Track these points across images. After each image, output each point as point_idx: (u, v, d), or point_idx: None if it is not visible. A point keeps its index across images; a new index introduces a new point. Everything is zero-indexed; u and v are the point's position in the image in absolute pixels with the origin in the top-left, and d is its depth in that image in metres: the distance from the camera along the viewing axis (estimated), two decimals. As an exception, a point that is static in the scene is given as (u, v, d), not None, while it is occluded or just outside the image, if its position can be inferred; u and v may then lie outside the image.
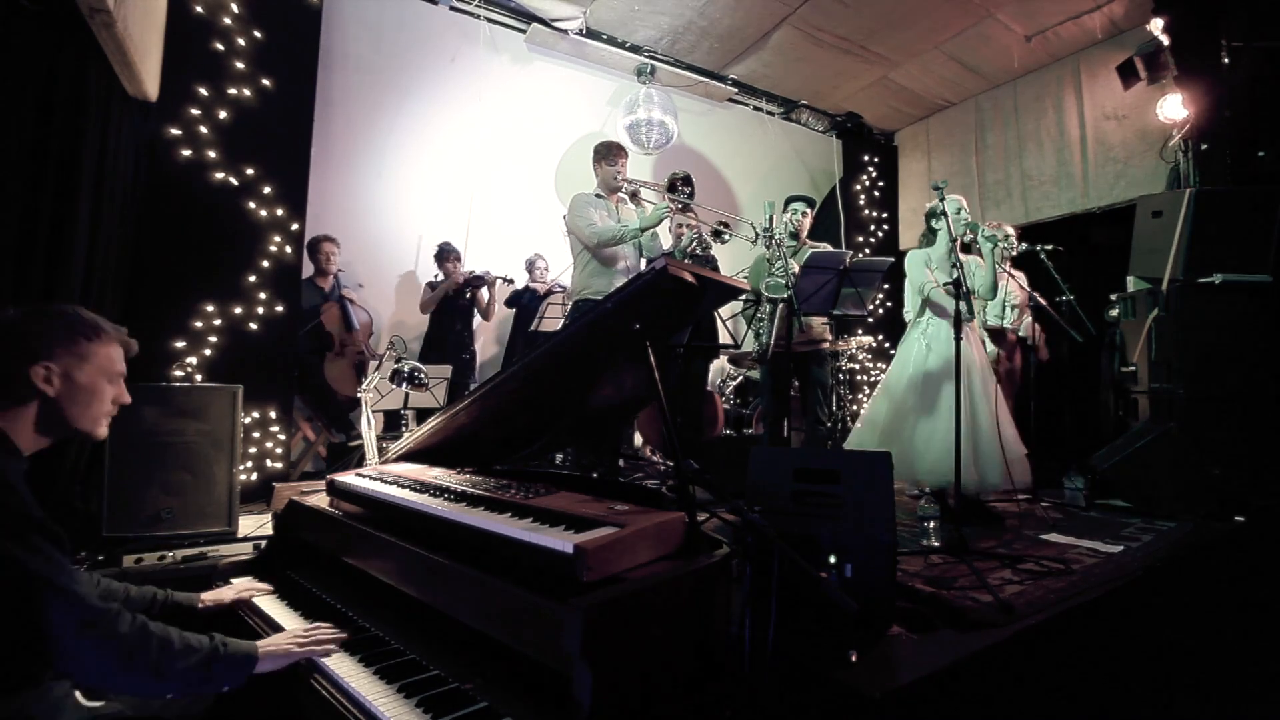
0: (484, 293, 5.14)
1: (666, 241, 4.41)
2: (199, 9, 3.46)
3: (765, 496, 1.93)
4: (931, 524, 2.80)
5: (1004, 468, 3.15)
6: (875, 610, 1.79)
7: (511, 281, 5.26)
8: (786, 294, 3.45)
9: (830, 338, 4.17)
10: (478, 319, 5.23)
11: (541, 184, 5.76)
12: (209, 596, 1.60)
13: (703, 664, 1.19)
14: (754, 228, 3.83)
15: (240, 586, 1.68)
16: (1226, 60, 4.55)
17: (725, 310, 4.11)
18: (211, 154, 3.47)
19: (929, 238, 3.62)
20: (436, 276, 5.02)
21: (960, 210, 3.49)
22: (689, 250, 4.11)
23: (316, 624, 1.41)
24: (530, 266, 5.36)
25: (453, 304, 4.94)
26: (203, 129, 3.44)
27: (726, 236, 3.97)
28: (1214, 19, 4.61)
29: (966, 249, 3.71)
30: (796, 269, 3.61)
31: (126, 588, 1.47)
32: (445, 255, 4.95)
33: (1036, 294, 4.29)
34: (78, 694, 1.20)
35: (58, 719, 1.14)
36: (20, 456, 1.19)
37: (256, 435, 3.55)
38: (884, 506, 1.84)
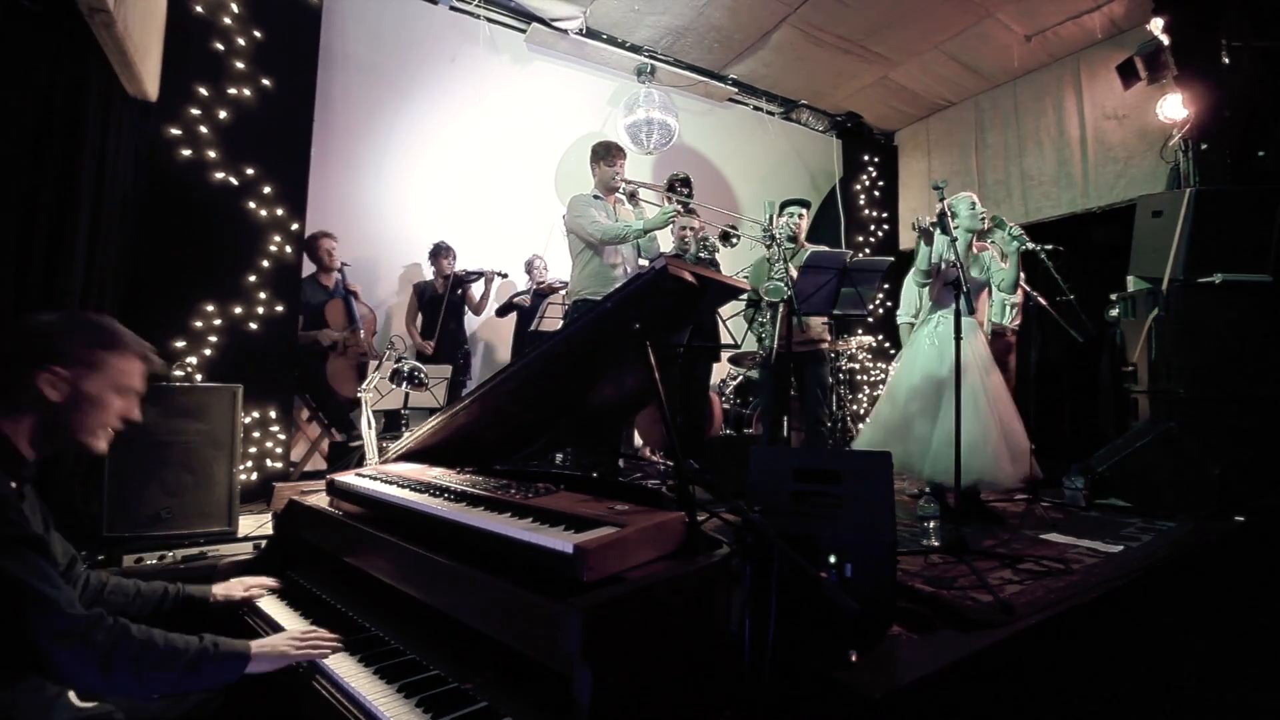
0: (475, 288, 5.14)
1: (666, 244, 4.40)
2: (199, 9, 3.46)
3: (765, 496, 1.93)
4: (931, 524, 2.80)
5: (1011, 462, 3.12)
6: (875, 610, 1.79)
7: (506, 276, 5.25)
8: (786, 294, 3.45)
9: (829, 338, 4.17)
10: (471, 318, 5.22)
11: (541, 184, 5.76)
12: (219, 591, 1.61)
13: (703, 664, 1.19)
14: (760, 225, 3.83)
15: (249, 583, 1.69)
16: (1226, 60, 4.55)
17: (725, 311, 4.11)
18: (211, 154, 3.47)
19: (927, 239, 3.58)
20: (430, 274, 5.02)
21: (974, 205, 3.47)
22: (697, 255, 4.11)
23: (313, 628, 1.40)
24: (529, 267, 5.36)
25: (444, 302, 4.94)
26: (203, 129, 3.44)
27: (734, 241, 3.97)
28: (1214, 19, 4.61)
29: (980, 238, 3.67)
30: (794, 272, 3.61)
31: (137, 584, 1.49)
32: (439, 253, 4.96)
33: (1037, 294, 4.29)
34: (71, 694, 1.20)
35: (50, 718, 1.14)
36: (23, 463, 1.19)
37: (256, 435, 3.55)
38: (884, 506, 1.84)
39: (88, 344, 1.22)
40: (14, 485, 1.14)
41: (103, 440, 1.27)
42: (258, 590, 1.68)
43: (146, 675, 1.10)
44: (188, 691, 1.21)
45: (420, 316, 5.00)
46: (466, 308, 5.15)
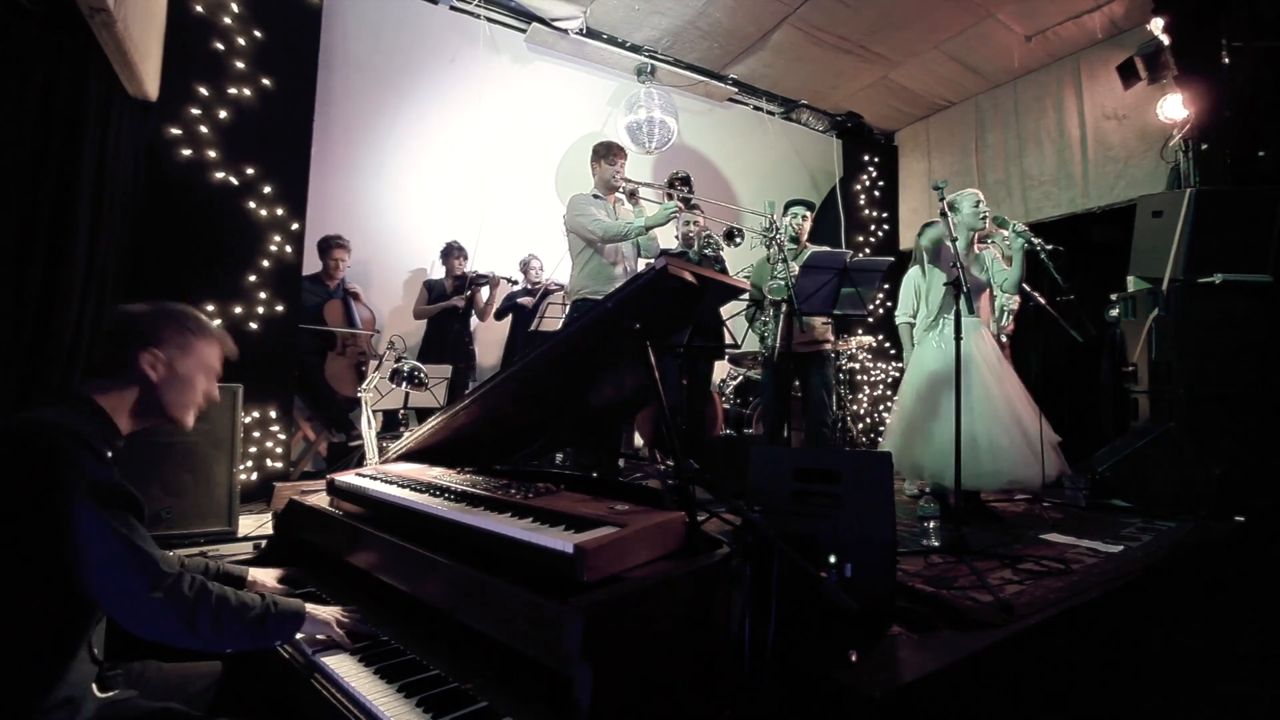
0: (484, 292, 5.13)
1: (667, 241, 4.40)
2: (199, 9, 3.46)
3: (765, 496, 1.93)
4: (931, 524, 2.80)
5: (1035, 460, 3.08)
6: (875, 610, 1.79)
7: (516, 283, 5.26)
8: (787, 294, 3.45)
9: (832, 338, 4.17)
10: (475, 319, 5.23)
11: (542, 184, 5.76)
12: (255, 576, 1.68)
13: (703, 664, 1.18)
14: (762, 222, 3.82)
15: (277, 575, 1.75)
16: (1226, 60, 4.55)
17: (726, 310, 4.11)
18: (212, 154, 3.47)
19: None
20: (441, 273, 5.01)
21: (979, 204, 3.45)
22: (701, 251, 4.10)
23: (357, 609, 1.45)
24: (525, 267, 5.35)
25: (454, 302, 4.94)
26: (203, 129, 3.44)
27: (738, 240, 3.96)
28: (1214, 19, 4.61)
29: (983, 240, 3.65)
30: (796, 271, 3.61)
31: (180, 556, 1.57)
32: (450, 253, 4.96)
33: (1037, 294, 4.29)
34: (93, 686, 1.23)
35: (81, 709, 1.17)
36: (118, 435, 1.29)
37: (256, 435, 3.55)
38: (884, 506, 1.84)
39: (179, 329, 1.36)
40: (110, 455, 1.21)
41: (191, 417, 1.40)
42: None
43: (223, 628, 1.18)
44: (253, 648, 1.28)
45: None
46: (473, 311, 5.15)
